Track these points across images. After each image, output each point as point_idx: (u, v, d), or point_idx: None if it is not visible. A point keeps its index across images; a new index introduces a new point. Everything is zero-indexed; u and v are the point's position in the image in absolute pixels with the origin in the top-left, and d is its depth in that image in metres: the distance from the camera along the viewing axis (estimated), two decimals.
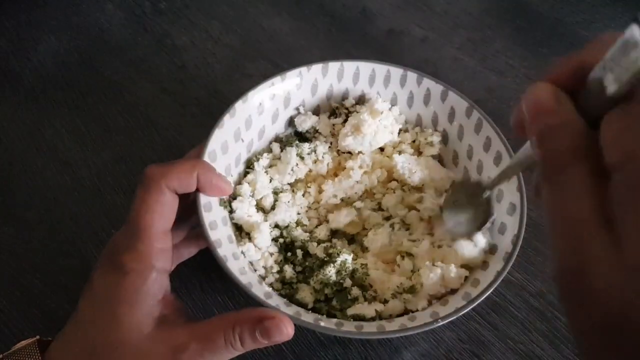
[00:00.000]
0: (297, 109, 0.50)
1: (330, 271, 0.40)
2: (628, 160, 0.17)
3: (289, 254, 0.44)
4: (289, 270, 0.42)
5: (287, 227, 0.44)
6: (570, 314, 0.19)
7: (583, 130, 0.19)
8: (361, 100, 0.51)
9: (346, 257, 0.41)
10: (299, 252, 0.43)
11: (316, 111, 0.51)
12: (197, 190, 0.38)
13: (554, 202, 0.19)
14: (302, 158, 0.47)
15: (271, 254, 0.43)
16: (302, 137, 0.51)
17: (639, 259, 0.16)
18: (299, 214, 0.46)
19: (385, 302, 0.40)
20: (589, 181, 0.18)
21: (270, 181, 0.47)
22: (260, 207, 0.45)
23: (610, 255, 0.17)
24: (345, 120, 0.50)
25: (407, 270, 0.42)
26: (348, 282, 0.41)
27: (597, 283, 0.17)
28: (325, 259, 0.41)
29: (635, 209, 0.16)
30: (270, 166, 0.48)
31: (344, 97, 0.51)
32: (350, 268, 0.41)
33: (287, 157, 0.47)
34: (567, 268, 0.18)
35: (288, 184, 0.47)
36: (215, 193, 0.40)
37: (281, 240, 0.44)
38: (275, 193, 0.46)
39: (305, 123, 0.49)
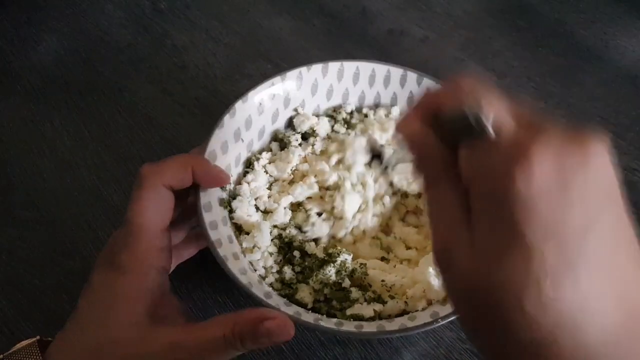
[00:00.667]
0: (296, 109, 0.50)
1: (330, 271, 0.40)
2: (472, 180, 0.23)
3: (288, 255, 0.44)
4: (288, 271, 0.42)
5: (284, 228, 0.44)
6: (444, 283, 0.25)
7: (443, 157, 0.25)
8: (361, 104, 0.51)
9: (346, 257, 0.41)
10: (297, 253, 0.43)
11: (316, 112, 0.51)
12: (195, 184, 0.38)
13: (432, 206, 0.26)
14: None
15: (270, 254, 0.43)
16: (303, 137, 0.51)
17: (482, 243, 0.22)
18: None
19: (384, 302, 0.40)
20: (452, 193, 0.24)
21: (270, 185, 0.47)
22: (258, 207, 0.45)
23: (466, 240, 0.23)
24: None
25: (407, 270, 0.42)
26: (347, 282, 0.41)
27: (458, 259, 0.23)
28: (325, 259, 0.41)
29: (482, 210, 0.23)
30: (269, 162, 0.48)
31: (344, 97, 0.51)
32: (350, 268, 0.41)
33: (288, 156, 0.47)
34: (440, 249, 0.25)
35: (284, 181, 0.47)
36: (213, 184, 0.40)
37: (278, 241, 0.44)
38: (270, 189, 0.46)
39: (304, 124, 0.49)
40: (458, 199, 0.24)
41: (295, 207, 0.46)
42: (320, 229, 0.44)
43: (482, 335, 0.24)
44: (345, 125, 0.50)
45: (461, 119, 0.23)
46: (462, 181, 0.24)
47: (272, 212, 0.44)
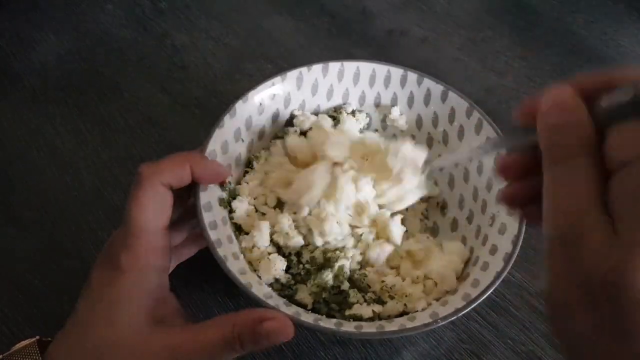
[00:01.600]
0: (292, 114, 0.50)
1: (328, 276, 0.40)
2: (633, 164, 0.21)
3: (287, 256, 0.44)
4: (283, 275, 0.41)
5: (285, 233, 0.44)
6: (553, 271, 0.22)
7: (592, 131, 0.23)
8: (361, 104, 0.51)
9: (344, 263, 0.41)
10: (294, 258, 0.43)
11: (316, 111, 0.51)
12: (195, 184, 0.38)
13: (559, 183, 0.23)
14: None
15: (269, 254, 0.43)
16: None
17: (632, 235, 0.20)
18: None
19: (384, 303, 0.40)
20: (593, 171, 0.22)
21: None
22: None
23: (603, 229, 0.21)
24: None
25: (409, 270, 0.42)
26: (346, 285, 0.41)
27: (589, 240, 0.21)
28: (323, 263, 0.41)
29: (636, 200, 0.20)
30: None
31: (345, 98, 0.51)
32: (348, 273, 0.41)
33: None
34: (566, 224, 0.22)
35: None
36: (212, 179, 0.39)
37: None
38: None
39: (305, 124, 0.49)
40: (597, 178, 0.22)
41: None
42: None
43: (581, 328, 0.22)
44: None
45: (625, 101, 0.21)
46: (607, 165, 0.22)
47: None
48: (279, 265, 0.41)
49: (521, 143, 0.29)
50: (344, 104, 0.51)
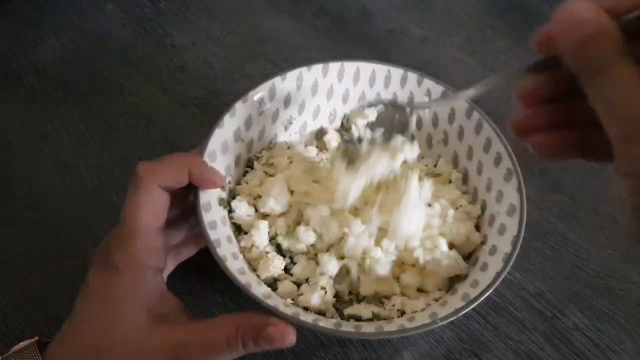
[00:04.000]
0: (287, 121, 0.50)
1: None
2: None
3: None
4: (282, 275, 0.42)
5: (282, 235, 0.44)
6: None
7: (622, 37, 0.22)
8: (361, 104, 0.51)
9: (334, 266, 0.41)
10: (287, 260, 0.43)
11: (316, 112, 0.51)
12: (192, 185, 0.38)
13: (610, 90, 0.22)
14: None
15: (267, 253, 0.43)
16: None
17: None
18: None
19: (381, 303, 0.41)
20: (635, 70, 0.21)
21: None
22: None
23: None
24: None
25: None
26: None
27: None
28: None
29: None
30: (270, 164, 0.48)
31: (345, 98, 0.51)
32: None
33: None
34: (634, 116, 0.21)
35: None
36: (208, 185, 0.39)
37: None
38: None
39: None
40: None
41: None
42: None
43: None
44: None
45: None
46: None
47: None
48: (277, 263, 0.41)
49: (543, 70, 0.30)
50: (344, 104, 0.51)
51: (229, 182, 0.44)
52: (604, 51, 0.22)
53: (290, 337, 0.32)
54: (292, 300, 0.40)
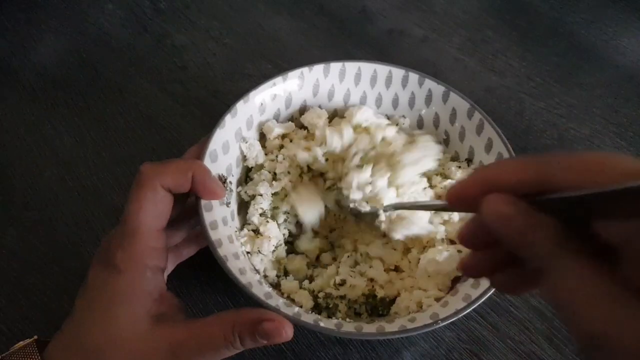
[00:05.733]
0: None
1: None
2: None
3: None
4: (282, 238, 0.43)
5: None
6: None
7: (548, 223, 0.20)
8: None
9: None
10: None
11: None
12: (192, 190, 0.38)
13: (562, 292, 0.19)
14: None
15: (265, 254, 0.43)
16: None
17: None
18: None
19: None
20: (591, 264, 0.19)
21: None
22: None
23: (634, 316, 0.17)
24: None
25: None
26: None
27: (626, 339, 0.17)
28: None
29: None
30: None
31: (346, 98, 0.51)
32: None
33: None
34: (597, 331, 0.18)
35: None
36: (207, 196, 0.39)
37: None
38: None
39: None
40: (600, 271, 0.19)
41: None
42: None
43: None
44: None
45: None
46: (604, 249, 0.20)
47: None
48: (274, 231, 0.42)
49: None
50: (345, 104, 0.51)
51: (230, 182, 0.44)
52: (540, 248, 0.20)
53: (286, 332, 0.32)
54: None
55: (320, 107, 0.50)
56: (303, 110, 0.50)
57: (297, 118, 0.49)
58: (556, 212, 0.20)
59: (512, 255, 0.22)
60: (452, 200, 0.24)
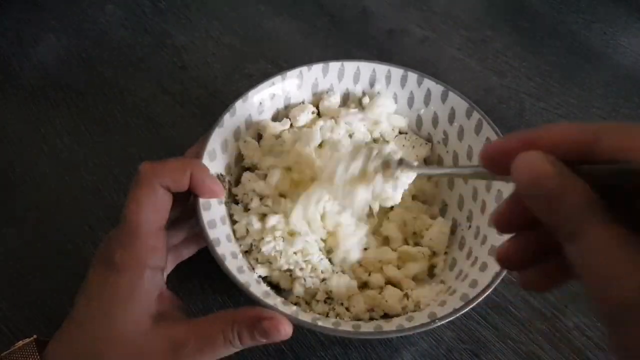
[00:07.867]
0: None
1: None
2: None
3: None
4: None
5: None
6: (626, 342, 0.18)
7: (590, 191, 0.19)
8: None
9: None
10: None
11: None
12: (190, 190, 0.38)
13: (587, 261, 0.19)
14: None
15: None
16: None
17: None
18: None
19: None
20: (620, 231, 0.18)
21: None
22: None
23: None
24: None
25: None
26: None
27: None
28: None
29: None
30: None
31: (345, 98, 0.51)
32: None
33: None
34: (618, 302, 0.18)
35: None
36: (206, 195, 0.39)
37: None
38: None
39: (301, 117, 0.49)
40: (634, 239, 0.18)
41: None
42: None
43: None
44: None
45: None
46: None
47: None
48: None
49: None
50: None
51: (229, 182, 0.44)
52: (572, 211, 0.19)
53: (285, 329, 0.32)
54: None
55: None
56: None
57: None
58: (597, 183, 0.19)
59: (545, 241, 0.21)
60: (487, 160, 0.22)
